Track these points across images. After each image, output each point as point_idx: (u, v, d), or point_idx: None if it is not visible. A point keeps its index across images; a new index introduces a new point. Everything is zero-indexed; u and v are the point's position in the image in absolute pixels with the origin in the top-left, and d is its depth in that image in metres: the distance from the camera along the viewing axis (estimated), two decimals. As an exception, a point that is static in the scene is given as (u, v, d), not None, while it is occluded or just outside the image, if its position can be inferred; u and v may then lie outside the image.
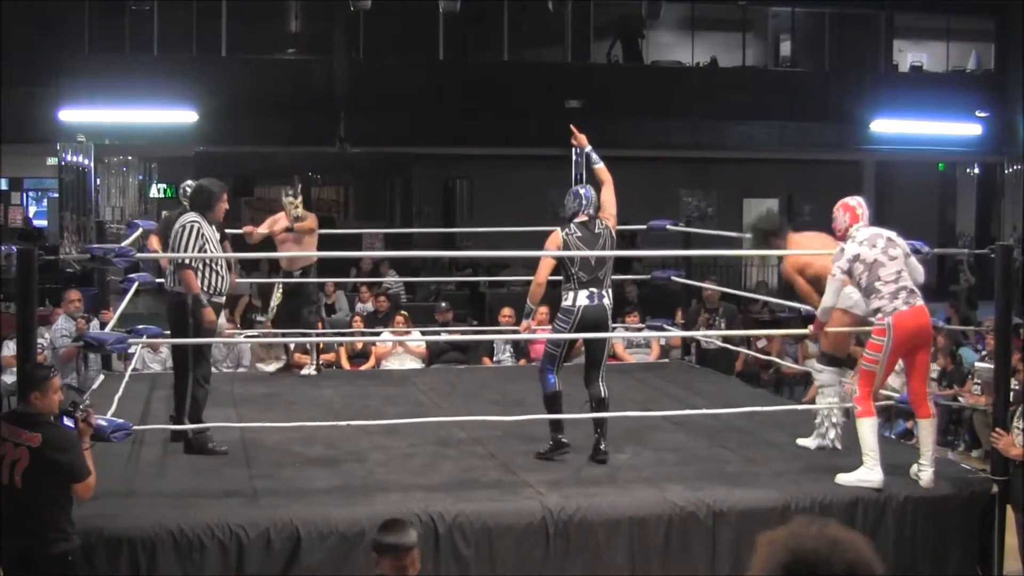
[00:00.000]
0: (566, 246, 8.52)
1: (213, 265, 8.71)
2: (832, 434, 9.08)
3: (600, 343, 8.81)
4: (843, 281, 7.98)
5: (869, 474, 7.92)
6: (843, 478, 7.98)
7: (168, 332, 9.74)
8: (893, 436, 11.92)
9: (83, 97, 22.24)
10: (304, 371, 12.33)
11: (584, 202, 8.65)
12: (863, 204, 8.21)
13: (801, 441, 9.15)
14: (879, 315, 7.86)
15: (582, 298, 8.45)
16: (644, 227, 13.31)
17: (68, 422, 6.70)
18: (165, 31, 23.63)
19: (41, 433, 6.41)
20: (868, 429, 7.97)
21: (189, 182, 10.26)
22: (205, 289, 8.60)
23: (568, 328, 8.54)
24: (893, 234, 8.08)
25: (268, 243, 12.33)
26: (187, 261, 8.50)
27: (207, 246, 8.66)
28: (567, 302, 8.51)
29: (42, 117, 22.33)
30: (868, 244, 7.92)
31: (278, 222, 12.24)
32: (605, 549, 7.41)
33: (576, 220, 8.63)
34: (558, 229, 8.63)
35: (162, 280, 10.45)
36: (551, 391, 8.58)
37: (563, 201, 8.78)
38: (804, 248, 9.06)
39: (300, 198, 12.09)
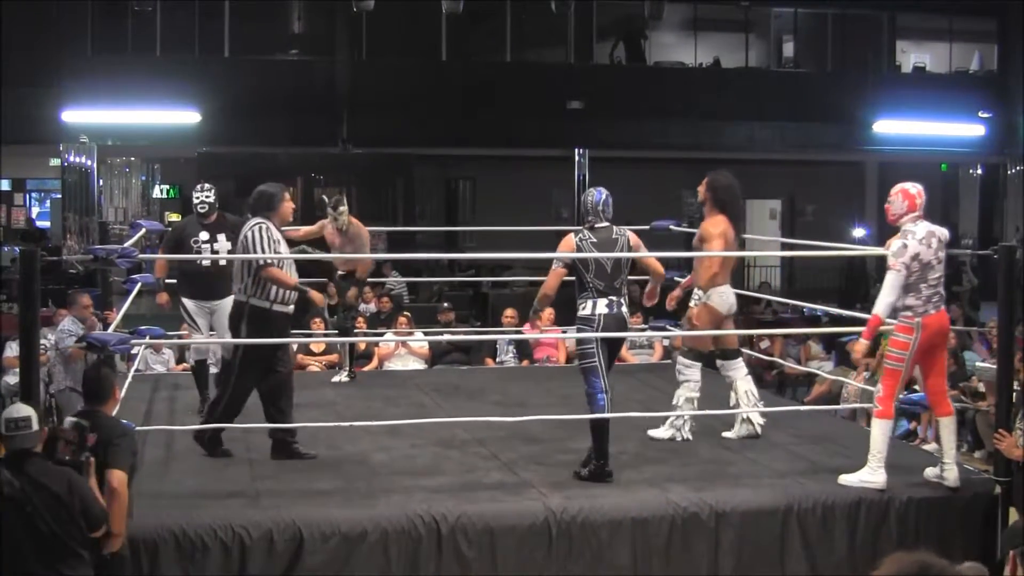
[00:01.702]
0: (579, 252, 8.22)
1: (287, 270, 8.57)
2: (687, 428, 9.23)
3: (615, 355, 8.66)
4: (905, 276, 7.76)
5: (872, 475, 7.91)
6: (846, 479, 7.98)
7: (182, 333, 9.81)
8: (895, 436, 11.92)
9: (86, 98, 22.25)
10: (335, 378, 12.02)
11: (601, 208, 8.41)
12: (922, 193, 8.01)
13: (652, 432, 9.24)
14: (907, 313, 7.80)
15: (601, 306, 8.15)
16: (647, 227, 13.30)
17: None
18: (168, 32, 23.63)
19: (96, 432, 6.37)
20: (883, 431, 7.95)
21: (206, 186, 10.13)
22: (273, 297, 8.45)
23: (592, 338, 8.22)
24: (945, 233, 8.00)
25: (318, 244, 11.95)
26: (265, 263, 8.34)
27: (280, 249, 8.53)
28: (585, 311, 8.18)
29: (45, 118, 22.34)
30: (925, 243, 7.80)
31: (325, 227, 11.80)
32: (607, 550, 7.41)
33: (594, 226, 8.35)
34: (571, 234, 8.36)
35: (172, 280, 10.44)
36: (601, 412, 8.16)
37: (583, 205, 8.49)
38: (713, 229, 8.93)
39: (343, 207, 11.52)
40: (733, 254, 8.99)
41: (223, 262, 9.71)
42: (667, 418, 9.30)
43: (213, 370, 10.40)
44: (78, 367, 11.83)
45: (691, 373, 9.28)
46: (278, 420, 8.47)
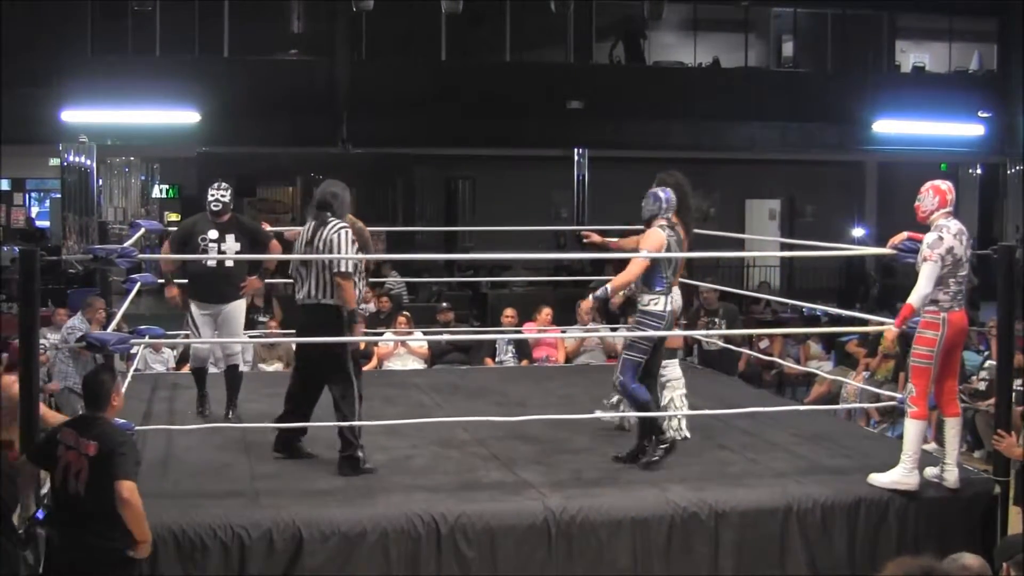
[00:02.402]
0: (668, 249, 8.35)
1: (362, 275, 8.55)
2: (683, 425, 9.28)
3: (664, 350, 8.86)
4: (940, 268, 7.72)
5: (907, 476, 7.87)
6: (877, 479, 7.94)
7: (191, 333, 9.71)
8: (895, 436, 11.93)
9: (85, 98, 22.28)
10: None
11: (664, 205, 8.52)
12: (952, 190, 7.98)
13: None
14: (933, 308, 7.78)
15: (669, 304, 8.36)
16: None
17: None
18: (167, 32, 23.65)
19: (97, 440, 6.30)
20: (918, 431, 7.92)
21: (223, 185, 9.78)
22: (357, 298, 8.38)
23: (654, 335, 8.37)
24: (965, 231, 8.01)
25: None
26: (348, 271, 8.21)
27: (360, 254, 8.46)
28: (657, 306, 8.29)
29: (44, 118, 22.36)
30: (958, 239, 7.79)
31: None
32: (607, 550, 7.41)
33: (665, 223, 8.46)
34: (658, 229, 8.41)
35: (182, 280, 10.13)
36: (644, 398, 8.34)
37: (642, 204, 8.57)
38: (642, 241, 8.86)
39: None
40: (735, 255, 8.94)
41: (230, 263, 9.61)
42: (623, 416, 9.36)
43: (213, 370, 10.39)
44: (88, 362, 11.90)
45: (671, 371, 9.34)
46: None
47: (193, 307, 9.72)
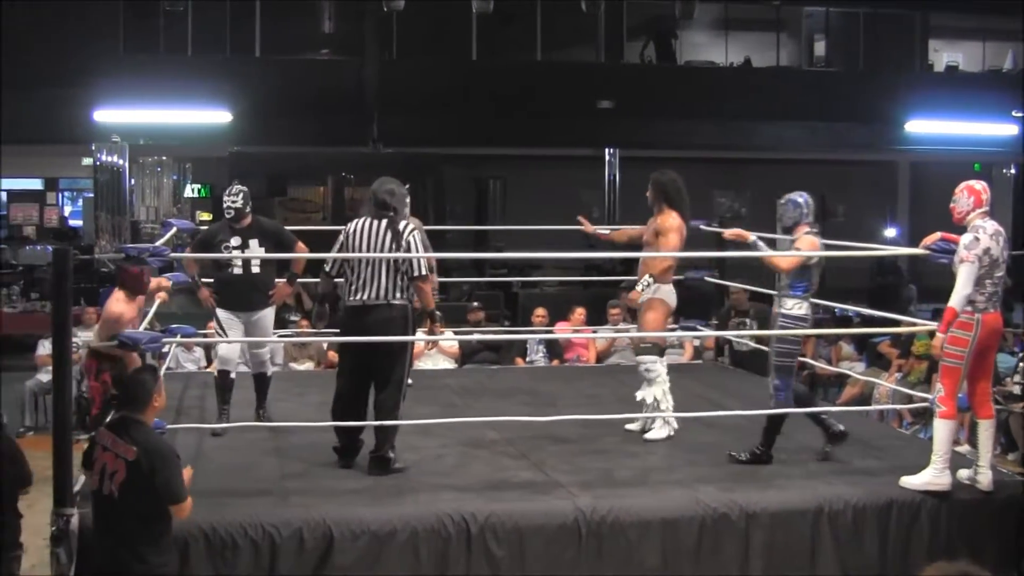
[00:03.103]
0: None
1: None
2: (674, 422, 9.32)
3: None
4: (977, 268, 7.73)
5: (938, 476, 7.84)
6: (909, 481, 7.91)
7: (216, 332, 9.59)
8: (928, 438, 11.86)
9: (117, 97, 22.35)
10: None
11: (805, 209, 8.57)
12: (987, 190, 7.97)
13: (649, 435, 9.34)
14: (968, 308, 7.75)
15: (810, 307, 8.47)
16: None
17: None
18: (199, 31, 23.72)
19: (136, 447, 6.25)
20: (948, 431, 7.89)
21: (234, 189, 9.54)
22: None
23: (799, 338, 8.51)
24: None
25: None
26: (426, 274, 8.26)
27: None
28: (801, 310, 8.39)
29: (77, 118, 22.45)
30: (995, 239, 7.78)
31: None
32: (637, 550, 7.40)
33: (809, 227, 8.50)
34: (813, 234, 8.46)
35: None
36: (781, 407, 8.49)
37: (799, 207, 8.58)
38: None
39: (408, 199, 11.08)
40: (765, 255, 8.89)
41: (256, 270, 9.47)
42: (648, 418, 9.40)
43: (242, 368, 10.31)
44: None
45: (660, 368, 9.36)
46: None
47: (222, 313, 9.54)
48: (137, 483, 6.22)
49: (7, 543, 7.34)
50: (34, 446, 7.83)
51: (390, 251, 8.24)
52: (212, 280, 9.75)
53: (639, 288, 9.30)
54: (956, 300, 7.74)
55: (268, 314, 9.68)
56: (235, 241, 9.45)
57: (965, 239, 7.79)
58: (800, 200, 8.59)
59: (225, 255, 9.42)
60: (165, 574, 6.41)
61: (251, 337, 9.59)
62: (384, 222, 8.34)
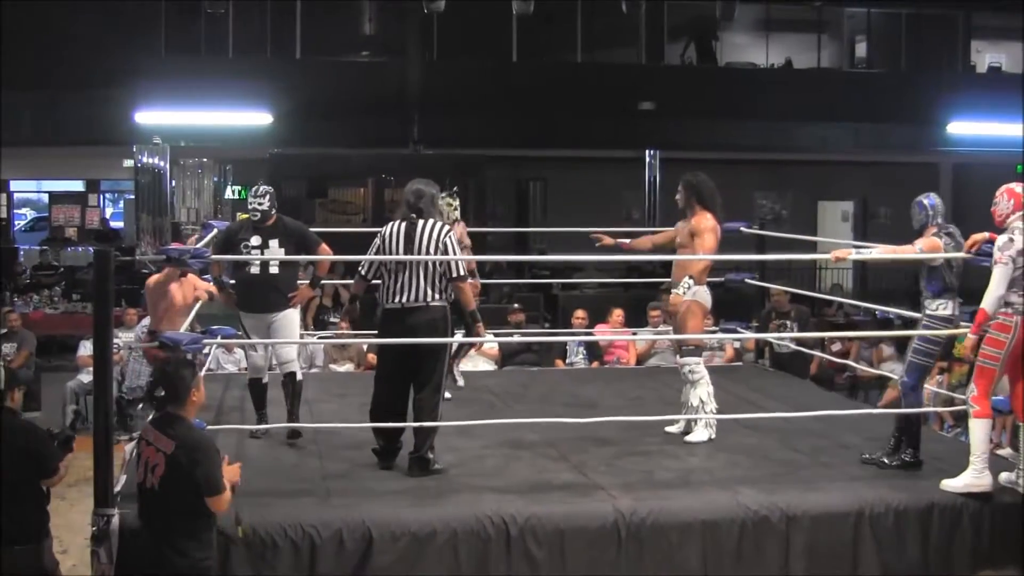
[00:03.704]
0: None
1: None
2: (714, 423, 9.27)
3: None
4: (1012, 270, 7.70)
5: (978, 478, 7.78)
6: (949, 484, 7.85)
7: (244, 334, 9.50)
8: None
9: (159, 99, 22.46)
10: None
11: (931, 211, 8.45)
12: None
13: (689, 437, 9.28)
14: (1007, 310, 7.72)
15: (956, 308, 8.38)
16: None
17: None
18: (240, 33, 23.82)
19: (175, 441, 6.30)
20: (983, 431, 7.84)
21: (260, 190, 9.25)
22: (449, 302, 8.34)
23: (940, 339, 8.41)
24: None
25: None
26: (464, 274, 8.24)
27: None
28: (947, 311, 8.31)
29: (118, 119, 22.60)
30: None
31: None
32: (677, 552, 7.37)
33: (938, 229, 8.39)
34: (938, 236, 8.35)
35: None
36: (913, 406, 8.49)
37: (931, 208, 8.46)
38: None
39: (458, 201, 10.69)
40: (807, 257, 8.84)
41: (274, 270, 9.19)
42: (689, 419, 9.34)
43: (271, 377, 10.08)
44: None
45: (702, 370, 9.32)
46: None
47: (244, 316, 9.37)
48: (176, 477, 6.27)
49: (17, 536, 7.33)
50: (75, 446, 7.83)
51: (426, 253, 8.21)
52: (233, 281, 9.61)
53: (680, 292, 9.27)
54: (988, 302, 7.72)
55: (289, 315, 9.38)
56: (255, 240, 9.21)
57: (1000, 240, 7.76)
58: (926, 202, 8.48)
59: (244, 256, 9.15)
60: (206, 567, 6.44)
61: (273, 338, 9.34)
62: (407, 224, 8.33)
